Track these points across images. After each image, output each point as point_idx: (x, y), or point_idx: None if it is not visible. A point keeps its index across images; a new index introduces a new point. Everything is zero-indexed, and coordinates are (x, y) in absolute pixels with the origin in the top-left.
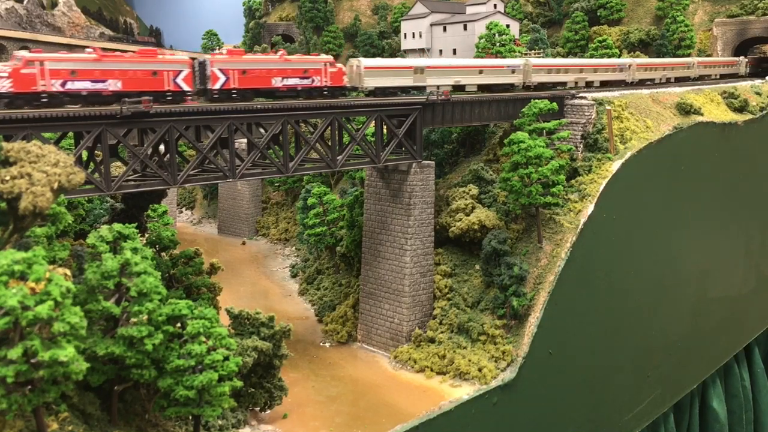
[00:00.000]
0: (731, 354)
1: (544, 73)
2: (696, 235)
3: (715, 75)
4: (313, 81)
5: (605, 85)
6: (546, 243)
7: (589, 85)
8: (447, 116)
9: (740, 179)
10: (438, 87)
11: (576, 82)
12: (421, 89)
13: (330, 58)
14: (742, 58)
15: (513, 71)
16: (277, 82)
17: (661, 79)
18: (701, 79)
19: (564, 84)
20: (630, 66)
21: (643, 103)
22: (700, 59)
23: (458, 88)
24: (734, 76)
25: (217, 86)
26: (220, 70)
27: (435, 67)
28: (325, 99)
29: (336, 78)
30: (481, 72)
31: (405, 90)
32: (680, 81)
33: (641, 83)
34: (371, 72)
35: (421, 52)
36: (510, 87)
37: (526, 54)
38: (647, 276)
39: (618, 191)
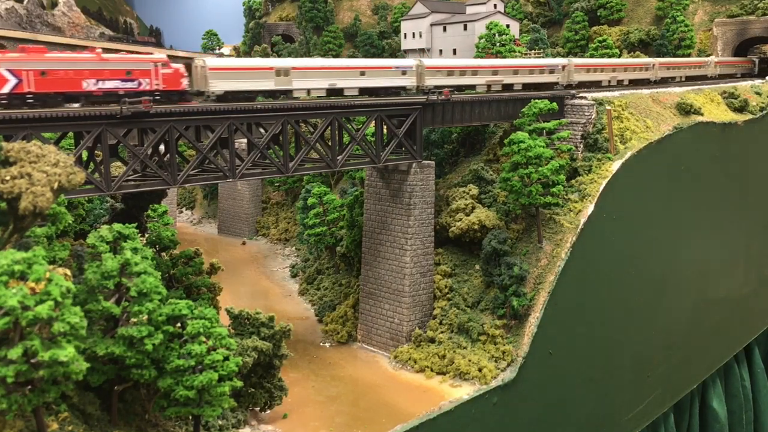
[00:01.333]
0: (731, 354)
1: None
2: (696, 235)
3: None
4: (139, 84)
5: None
6: (546, 243)
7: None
8: (447, 116)
9: (740, 179)
10: (308, 91)
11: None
12: (286, 94)
13: (163, 57)
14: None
15: (404, 72)
16: (89, 85)
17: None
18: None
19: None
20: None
21: (643, 103)
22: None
23: (334, 93)
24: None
25: (5, 90)
26: (10, 71)
27: (303, 68)
28: (161, 105)
29: (171, 81)
30: (363, 74)
31: (268, 94)
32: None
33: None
34: (219, 74)
35: (421, 52)
36: (401, 90)
37: (526, 54)
38: (647, 276)
39: (618, 191)
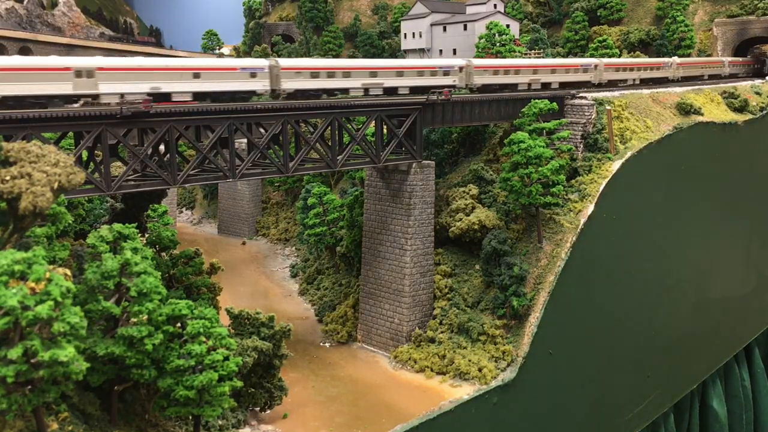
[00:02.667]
0: (731, 354)
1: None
2: (696, 235)
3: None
4: None
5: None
6: (546, 243)
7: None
8: (447, 116)
9: (740, 179)
10: (122, 96)
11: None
12: (91, 99)
13: None
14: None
15: (253, 75)
16: None
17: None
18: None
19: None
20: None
21: (643, 103)
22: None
23: (161, 97)
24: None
25: None
26: None
27: (113, 69)
28: None
29: None
30: (197, 76)
31: (66, 100)
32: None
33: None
34: None
35: (422, 52)
36: (248, 95)
37: (526, 54)
38: (647, 276)
39: (618, 191)
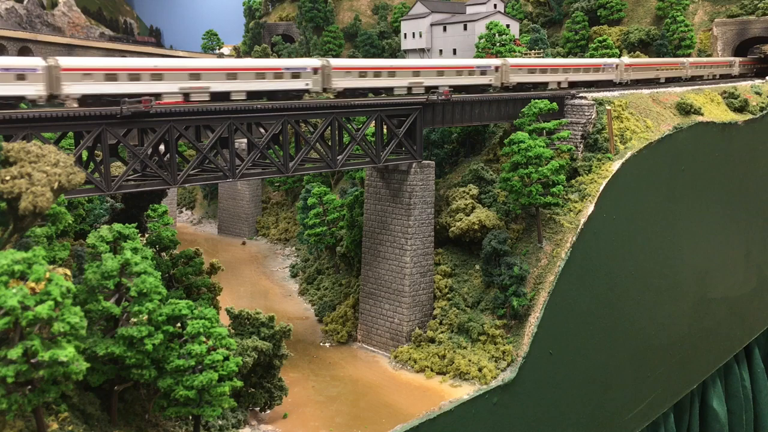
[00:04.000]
0: (731, 354)
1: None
2: (696, 235)
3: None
4: None
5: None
6: (546, 243)
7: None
8: (447, 116)
9: (740, 179)
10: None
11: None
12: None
13: None
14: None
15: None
16: None
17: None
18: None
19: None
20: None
21: (643, 103)
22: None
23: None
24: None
25: None
26: None
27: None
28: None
29: None
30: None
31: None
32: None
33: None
34: None
35: (421, 52)
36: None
37: (526, 54)
38: (647, 276)
39: (618, 191)
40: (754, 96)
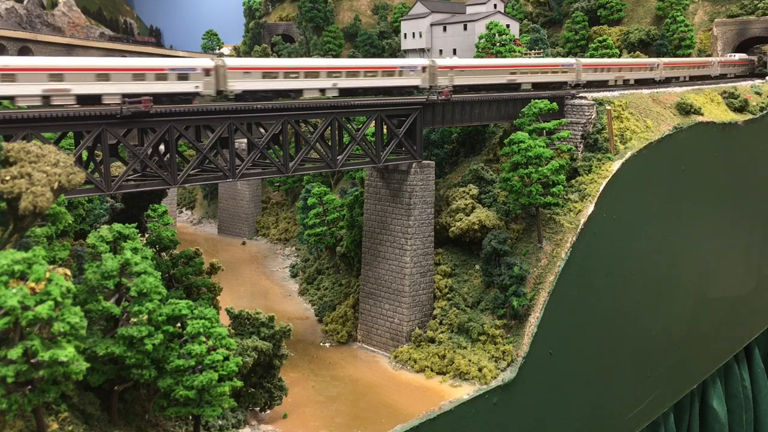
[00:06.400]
0: (731, 354)
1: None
2: (696, 235)
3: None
4: None
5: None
6: (546, 243)
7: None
8: (447, 116)
9: (740, 179)
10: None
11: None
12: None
13: None
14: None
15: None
16: None
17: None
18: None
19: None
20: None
21: (643, 103)
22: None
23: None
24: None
25: None
26: None
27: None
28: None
29: None
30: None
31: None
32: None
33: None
34: None
35: (421, 52)
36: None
37: (526, 54)
38: (647, 276)
39: (618, 191)
40: (754, 96)
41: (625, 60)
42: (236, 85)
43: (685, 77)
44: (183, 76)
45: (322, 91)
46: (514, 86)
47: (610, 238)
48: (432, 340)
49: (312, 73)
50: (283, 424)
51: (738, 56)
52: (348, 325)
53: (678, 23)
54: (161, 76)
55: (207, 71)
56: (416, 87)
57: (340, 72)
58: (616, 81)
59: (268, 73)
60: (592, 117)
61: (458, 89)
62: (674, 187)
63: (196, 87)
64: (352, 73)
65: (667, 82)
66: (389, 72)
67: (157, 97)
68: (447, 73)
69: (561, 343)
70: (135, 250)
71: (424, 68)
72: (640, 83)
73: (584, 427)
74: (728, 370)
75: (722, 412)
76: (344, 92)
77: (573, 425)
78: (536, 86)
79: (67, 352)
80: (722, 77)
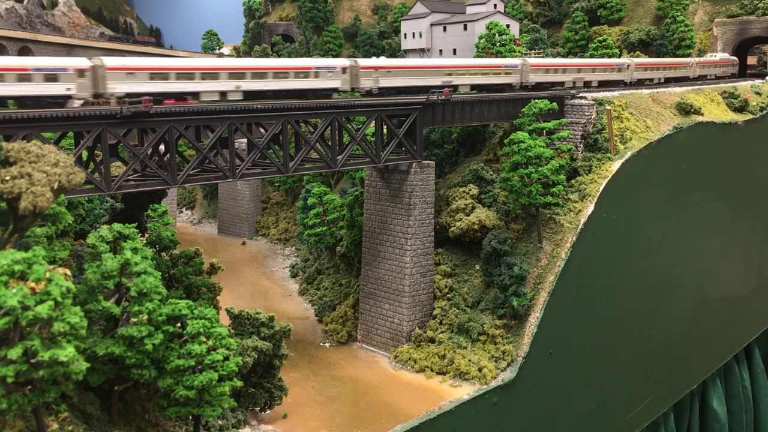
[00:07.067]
0: (731, 354)
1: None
2: (696, 235)
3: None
4: None
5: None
6: (546, 243)
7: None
8: (447, 116)
9: (740, 179)
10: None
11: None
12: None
13: None
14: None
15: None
16: None
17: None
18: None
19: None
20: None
21: (643, 103)
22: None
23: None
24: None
25: None
26: None
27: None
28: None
29: None
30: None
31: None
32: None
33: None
34: None
35: (421, 52)
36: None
37: (526, 54)
38: (647, 276)
39: (618, 191)
40: (754, 96)
41: (587, 60)
42: (117, 87)
43: (659, 79)
44: (51, 77)
45: (223, 94)
46: (451, 89)
47: (610, 238)
48: (432, 340)
49: (210, 75)
50: (283, 424)
51: (719, 56)
52: (348, 325)
53: (678, 23)
54: (24, 77)
55: (81, 72)
56: (335, 89)
57: (243, 73)
58: (574, 83)
59: (157, 74)
60: (592, 117)
61: (385, 92)
62: (674, 187)
63: (68, 89)
64: (259, 74)
65: (639, 84)
66: (303, 73)
67: (21, 101)
68: (371, 74)
69: (561, 343)
70: (135, 250)
71: (344, 69)
72: (607, 85)
73: (584, 427)
74: (728, 370)
75: (722, 412)
76: (250, 96)
77: (573, 425)
78: (476, 89)
79: (67, 352)
80: (701, 79)
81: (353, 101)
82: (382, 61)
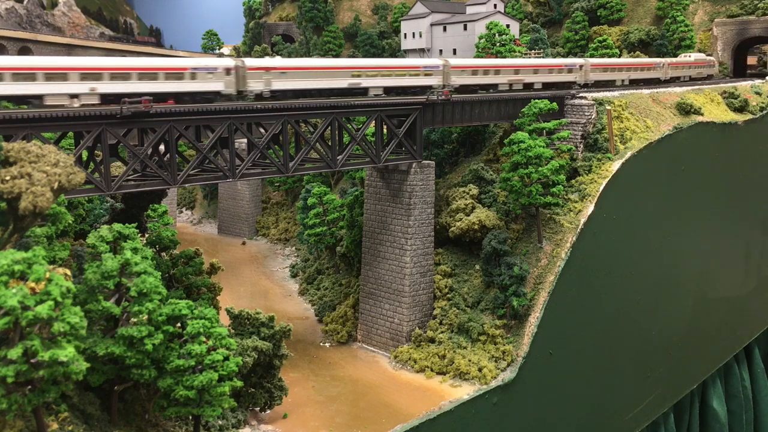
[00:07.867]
0: (731, 354)
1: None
2: (696, 235)
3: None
4: None
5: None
6: (546, 243)
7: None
8: (447, 116)
9: (740, 179)
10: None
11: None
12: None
13: None
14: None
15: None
16: None
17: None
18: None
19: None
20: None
21: (643, 103)
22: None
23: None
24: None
25: None
26: None
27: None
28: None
29: None
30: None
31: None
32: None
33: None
34: None
35: (421, 52)
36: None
37: (526, 54)
38: (647, 276)
39: (618, 191)
40: (754, 96)
41: (526, 60)
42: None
43: (622, 81)
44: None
45: (75, 96)
46: (359, 91)
47: (610, 238)
48: (432, 340)
49: (57, 75)
50: (283, 424)
51: (694, 56)
52: (348, 325)
53: (678, 23)
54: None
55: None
56: (217, 93)
57: (100, 74)
58: (511, 85)
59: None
60: (592, 117)
61: (280, 95)
62: (674, 187)
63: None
64: (120, 75)
65: (596, 86)
66: (175, 74)
67: (554, 85)
68: (261, 76)
69: (561, 343)
70: (135, 250)
71: (228, 70)
72: (553, 87)
73: (584, 427)
74: (728, 370)
75: (722, 412)
76: (108, 99)
77: (573, 425)
78: (389, 91)
79: (67, 352)
80: (674, 80)
81: (353, 101)
82: (276, 61)
